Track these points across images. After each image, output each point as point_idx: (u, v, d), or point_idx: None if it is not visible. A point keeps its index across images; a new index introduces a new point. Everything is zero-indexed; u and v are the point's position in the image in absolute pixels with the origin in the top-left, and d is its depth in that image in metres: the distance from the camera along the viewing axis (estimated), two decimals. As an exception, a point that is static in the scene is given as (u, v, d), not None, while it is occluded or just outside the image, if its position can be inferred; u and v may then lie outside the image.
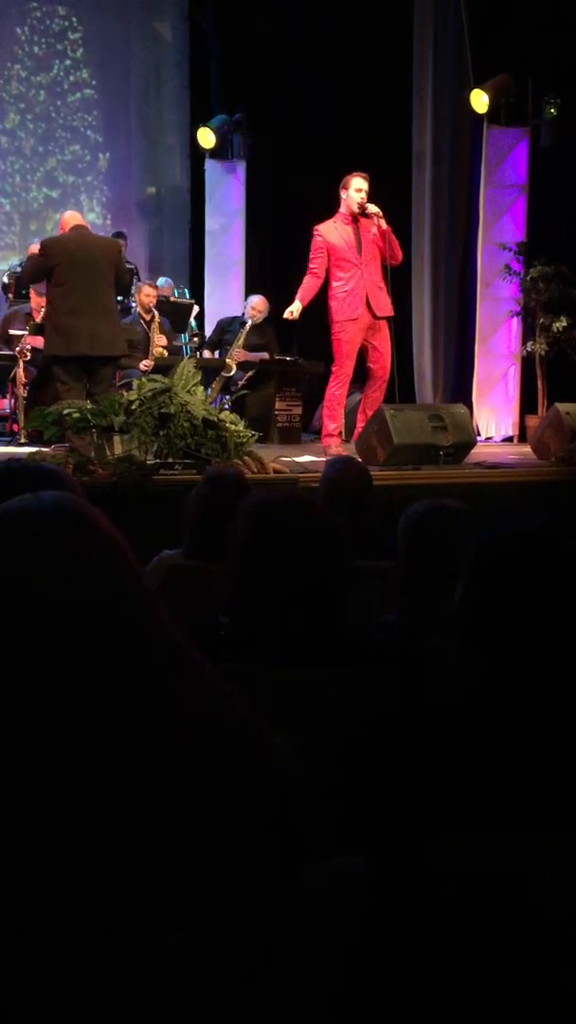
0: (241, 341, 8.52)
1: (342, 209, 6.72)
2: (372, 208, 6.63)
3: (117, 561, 1.03)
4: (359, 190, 6.62)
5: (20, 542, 1.00)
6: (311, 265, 6.71)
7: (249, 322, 8.57)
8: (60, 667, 0.97)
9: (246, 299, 9.09)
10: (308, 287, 6.72)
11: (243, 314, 8.85)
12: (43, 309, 8.07)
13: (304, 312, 6.92)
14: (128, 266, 7.92)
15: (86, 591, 0.99)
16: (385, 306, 6.72)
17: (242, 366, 8.54)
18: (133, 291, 8.57)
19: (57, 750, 0.97)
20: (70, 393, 6.46)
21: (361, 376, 7.01)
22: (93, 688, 0.98)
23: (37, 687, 0.97)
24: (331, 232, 6.65)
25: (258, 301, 8.81)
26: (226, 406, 7.66)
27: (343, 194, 6.70)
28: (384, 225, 6.63)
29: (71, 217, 7.07)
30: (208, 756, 1.04)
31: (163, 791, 1.01)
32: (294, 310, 6.76)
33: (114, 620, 1.00)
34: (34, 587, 0.97)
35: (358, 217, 6.66)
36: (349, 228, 6.66)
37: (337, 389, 6.85)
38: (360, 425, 6.88)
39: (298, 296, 6.75)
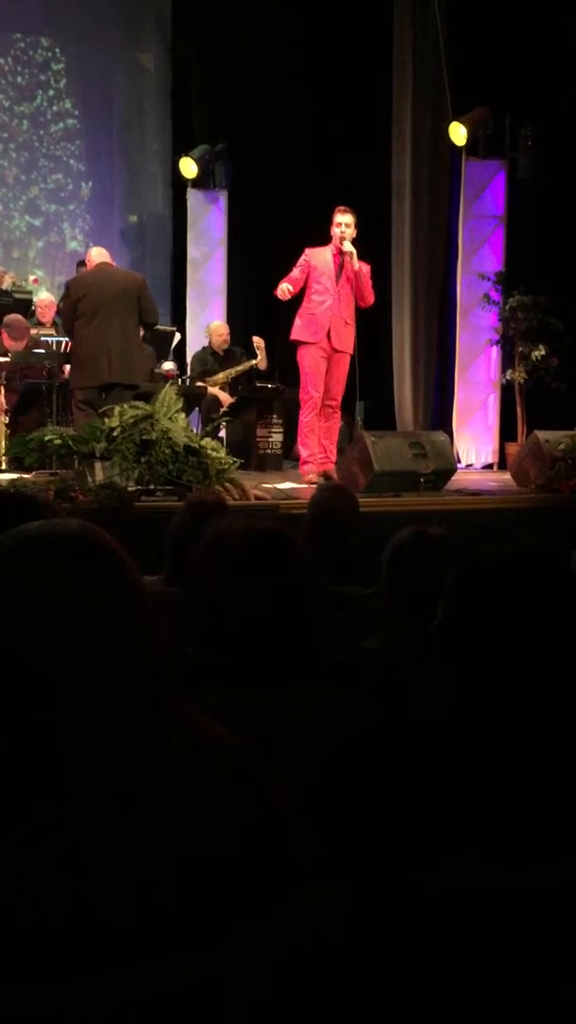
0: (245, 367, 8.69)
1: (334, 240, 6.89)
2: (347, 247, 6.75)
3: (131, 582, 1.10)
4: (338, 224, 6.81)
5: (48, 559, 1.06)
6: (291, 273, 6.81)
7: (259, 355, 8.67)
8: (72, 673, 1.03)
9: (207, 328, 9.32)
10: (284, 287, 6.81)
11: (208, 342, 9.09)
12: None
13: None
14: None
15: (105, 605, 1.06)
16: (346, 342, 6.83)
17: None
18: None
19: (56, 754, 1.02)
20: (86, 418, 6.47)
21: None
22: (101, 699, 1.03)
23: (49, 691, 1.02)
24: (316, 257, 6.84)
25: (220, 327, 9.02)
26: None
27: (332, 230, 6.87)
28: (356, 265, 6.75)
29: (97, 254, 7.16)
30: (200, 777, 1.07)
31: (153, 810, 1.03)
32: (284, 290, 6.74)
33: (127, 634, 1.07)
34: (58, 600, 1.04)
35: (344, 252, 6.81)
36: (333, 258, 6.83)
37: (306, 416, 6.90)
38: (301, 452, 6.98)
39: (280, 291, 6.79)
